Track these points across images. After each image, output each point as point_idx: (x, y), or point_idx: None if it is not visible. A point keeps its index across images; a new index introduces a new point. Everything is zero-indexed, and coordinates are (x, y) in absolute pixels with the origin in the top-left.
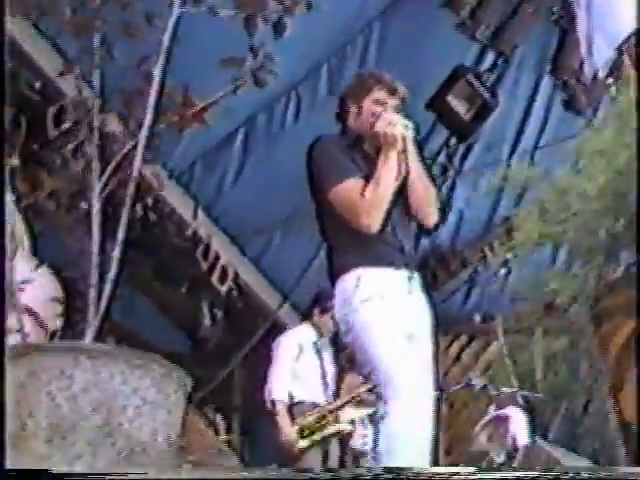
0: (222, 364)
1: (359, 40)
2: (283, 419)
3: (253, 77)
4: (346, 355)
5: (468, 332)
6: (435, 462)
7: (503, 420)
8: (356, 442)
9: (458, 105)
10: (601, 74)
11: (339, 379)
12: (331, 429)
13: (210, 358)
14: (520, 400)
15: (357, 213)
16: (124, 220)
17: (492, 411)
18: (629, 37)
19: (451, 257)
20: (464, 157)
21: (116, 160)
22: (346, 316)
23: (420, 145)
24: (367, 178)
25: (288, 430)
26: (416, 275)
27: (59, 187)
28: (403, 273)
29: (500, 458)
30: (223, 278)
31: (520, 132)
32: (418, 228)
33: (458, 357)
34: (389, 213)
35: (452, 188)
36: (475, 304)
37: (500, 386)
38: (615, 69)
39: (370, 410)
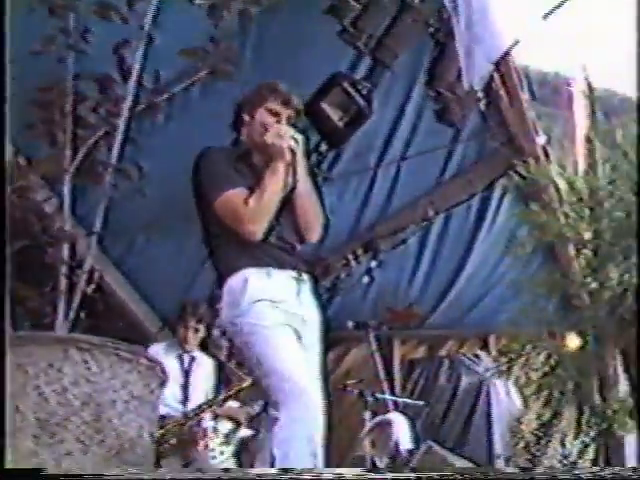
0: None
1: (234, 43)
2: None
3: (213, 68)
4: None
5: (328, 339)
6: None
7: (386, 425)
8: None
9: (332, 112)
10: (476, 87)
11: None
12: (176, 440)
13: None
14: (392, 407)
15: (241, 221)
16: None
17: (367, 417)
18: (505, 54)
19: (314, 263)
20: (332, 164)
21: (87, 146)
22: (234, 318)
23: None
24: (253, 189)
25: None
26: (306, 277)
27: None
28: (291, 273)
29: (382, 463)
30: (88, 279)
31: (389, 141)
32: (299, 240)
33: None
34: (277, 218)
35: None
36: (336, 311)
37: (373, 392)
38: (488, 84)
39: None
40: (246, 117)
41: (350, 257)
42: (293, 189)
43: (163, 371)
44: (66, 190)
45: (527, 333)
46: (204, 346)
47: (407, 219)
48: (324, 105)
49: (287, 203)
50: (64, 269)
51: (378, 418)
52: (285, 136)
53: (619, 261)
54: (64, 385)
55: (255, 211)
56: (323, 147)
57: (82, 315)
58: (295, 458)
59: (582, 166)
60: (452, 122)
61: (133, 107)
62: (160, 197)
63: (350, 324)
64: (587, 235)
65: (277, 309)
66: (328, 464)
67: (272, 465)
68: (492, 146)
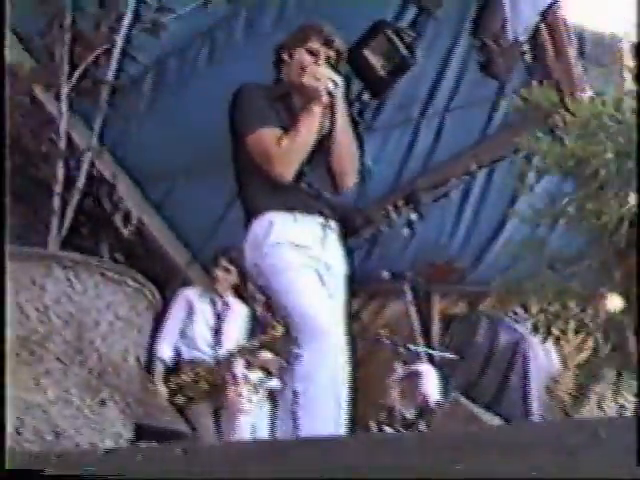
0: None
1: None
2: (157, 378)
3: None
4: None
5: (367, 291)
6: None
7: (414, 376)
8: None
9: (375, 60)
10: (521, 38)
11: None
12: (207, 385)
13: None
14: (427, 359)
15: (271, 161)
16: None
17: (398, 367)
18: (551, 4)
19: (355, 214)
20: (375, 113)
21: (86, 62)
22: (257, 259)
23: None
24: (287, 130)
25: (160, 389)
26: (333, 224)
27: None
28: (317, 219)
29: (410, 414)
30: (126, 221)
31: (432, 93)
32: (334, 187)
33: (357, 315)
34: (308, 163)
35: (360, 143)
36: (376, 264)
37: (406, 343)
38: (533, 36)
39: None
40: (285, 57)
41: (391, 209)
42: (331, 132)
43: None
44: (63, 106)
45: (568, 292)
46: (239, 293)
47: (450, 172)
48: (367, 53)
49: (321, 147)
50: (58, 187)
51: (407, 368)
52: (322, 78)
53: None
54: (45, 303)
55: (286, 152)
56: (365, 96)
57: (120, 257)
58: (316, 394)
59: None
60: (496, 75)
61: (133, 24)
62: (200, 141)
63: (386, 274)
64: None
65: (300, 252)
66: (355, 412)
67: (294, 401)
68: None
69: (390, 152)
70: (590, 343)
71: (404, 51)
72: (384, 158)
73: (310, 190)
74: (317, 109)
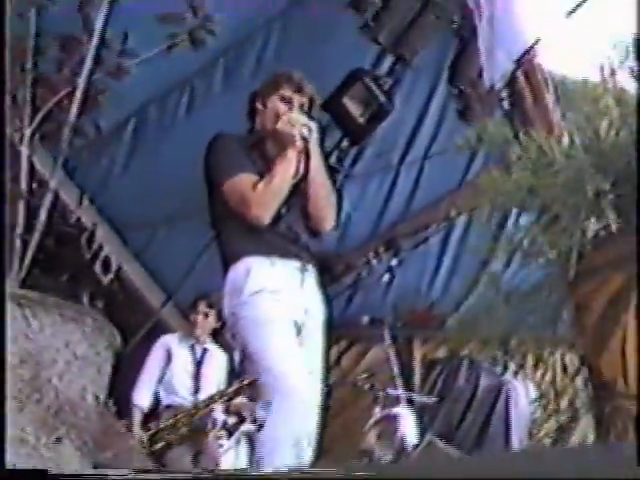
0: None
1: (258, 37)
2: (136, 425)
3: (190, 36)
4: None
5: (348, 337)
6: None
7: (392, 419)
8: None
9: (353, 108)
10: (498, 85)
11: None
12: (187, 430)
13: None
14: (405, 402)
15: (248, 204)
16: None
17: (378, 412)
18: (526, 52)
19: (335, 261)
20: (354, 160)
21: (48, 106)
22: (234, 308)
23: (323, 148)
24: (263, 176)
25: (139, 435)
26: (310, 268)
27: None
28: (295, 264)
29: (387, 457)
30: (106, 268)
31: (412, 140)
32: (311, 232)
33: (337, 361)
34: (286, 207)
35: (340, 191)
36: (357, 309)
37: (385, 387)
38: (510, 83)
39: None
40: (259, 105)
41: (371, 255)
42: (306, 176)
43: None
44: (24, 149)
45: (550, 338)
46: (218, 339)
47: (429, 218)
48: (345, 100)
49: (298, 192)
50: (19, 229)
51: (384, 411)
52: (297, 124)
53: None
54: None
55: (263, 196)
56: (344, 143)
57: (100, 304)
58: (280, 460)
59: None
60: (474, 121)
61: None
62: (181, 190)
63: (365, 319)
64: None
65: (278, 301)
66: (337, 458)
67: (258, 465)
68: None
69: (370, 198)
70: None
71: (382, 98)
72: (364, 205)
73: (288, 233)
74: (292, 154)
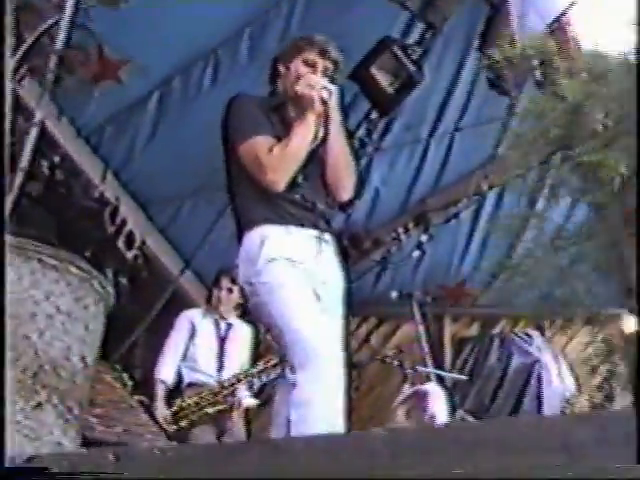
0: (125, 334)
1: (284, 5)
2: (160, 400)
3: None
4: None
5: (377, 315)
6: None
7: (422, 396)
8: None
9: (382, 77)
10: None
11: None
12: (212, 409)
13: (113, 327)
14: (435, 379)
15: (263, 169)
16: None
17: (407, 389)
18: (560, 16)
19: (364, 236)
20: (383, 133)
21: (35, 35)
22: (250, 278)
23: (346, 115)
24: (281, 139)
25: (162, 412)
26: (328, 237)
27: None
28: (311, 232)
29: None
30: (129, 244)
31: (442, 112)
32: (328, 202)
33: (367, 339)
34: (302, 174)
35: (369, 165)
36: (386, 286)
37: (414, 364)
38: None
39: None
40: (282, 68)
41: (400, 230)
42: (324, 141)
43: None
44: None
45: (583, 314)
46: (243, 314)
47: (460, 193)
48: (373, 70)
49: (316, 159)
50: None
51: (414, 388)
52: (316, 86)
53: None
54: None
55: (279, 160)
56: (373, 115)
57: (123, 280)
58: (313, 422)
59: None
60: (506, 91)
61: None
62: (206, 164)
63: (394, 294)
64: None
65: (295, 268)
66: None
67: (288, 430)
68: None
69: (399, 173)
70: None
71: (411, 67)
72: (393, 179)
73: (304, 202)
74: (310, 117)
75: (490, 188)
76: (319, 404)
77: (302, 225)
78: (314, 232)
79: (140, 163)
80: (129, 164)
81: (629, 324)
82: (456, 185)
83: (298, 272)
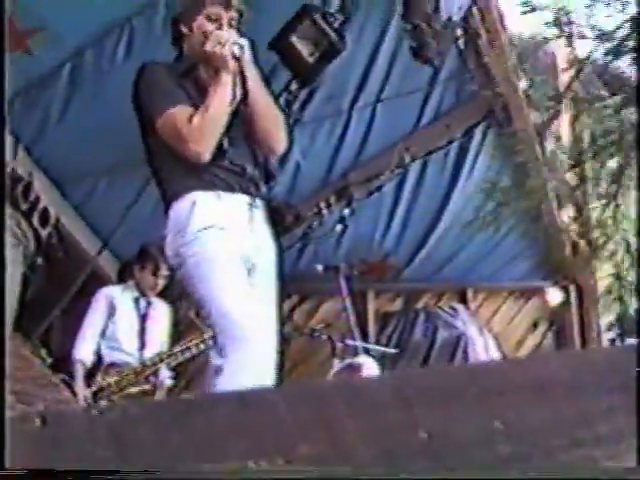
0: (43, 314)
1: None
2: (79, 380)
3: None
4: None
5: (300, 292)
6: None
7: (356, 368)
8: None
9: (302, 46)
10: (455, 18)
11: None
12: (133, 389)
13: (28, 309)
14: (363, 353)
15: (184, 142)
16: None
17: (336, 363)
18: None
19: (285, 211)
20: (304, 105)
21: None
22: (179, 249)
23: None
24: (198, 106)
25: (82, 392)
26: (259, 203)
27: None
28: (242, 198)
29: None
30: (44, 221)
31: (363, 82)
32: (258, 163)
33: (289, 316)
34: (227, 138)
35: (289, 137)
36: (309, 262)
37: (343, 338)
38: (466, 20)
39: None
40: (184, 29)
41: (322, 205)
42: (245, 99)
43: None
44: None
45: (506, 287)
46: (162, 292)
47: (382, 166)
48: (294, 39)
49: (239, 119)
50: None
51: (347, 361)
52: (226, 42)
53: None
54: None
55: (200, 129)
56: (294, 86)
57: (39, 260)
58: None
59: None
60: (429, 59)
61: None
62: (121, 139)
63: (320, 267)
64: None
65: (227, 237)
66: None
67: None
68: (471, 90)
69: (320, 146)
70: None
71: (333, 36)
72: (314, 152)
73: (233, 167)
74: (226, 77)
75: (413, 160)
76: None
77: (232, 190)
78: (245, 198)
79: (53, 138)
80: (41, 140)
81: (554, 296)
82: (378, 158)
83: (230, 241)
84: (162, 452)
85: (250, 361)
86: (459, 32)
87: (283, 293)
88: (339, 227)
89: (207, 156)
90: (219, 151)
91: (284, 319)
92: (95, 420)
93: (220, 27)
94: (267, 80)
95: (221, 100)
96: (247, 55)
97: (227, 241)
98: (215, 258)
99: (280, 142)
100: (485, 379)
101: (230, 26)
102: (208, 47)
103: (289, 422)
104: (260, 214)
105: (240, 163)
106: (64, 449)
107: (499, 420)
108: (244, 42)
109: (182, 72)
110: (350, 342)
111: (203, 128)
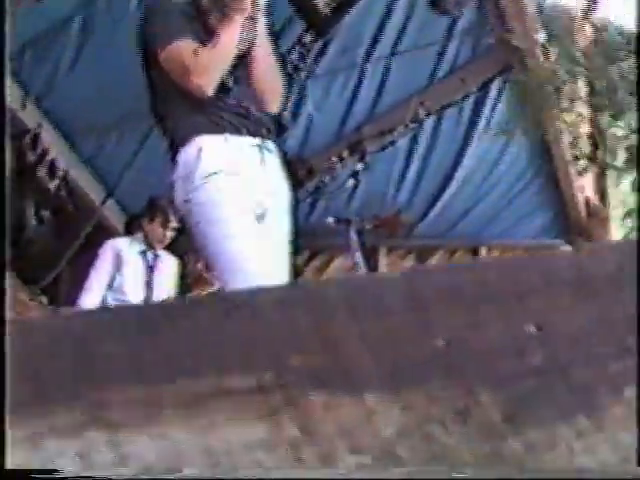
0: (49, 267)
1: None
2: None
3: None
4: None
5: (311, 247)
6: None
7: None
8: None
9: None
10: None
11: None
12: None
13: (36, 261)
14: None
15: (188, 73)
16: None
17: None
18: None
19: (298, 165)
20: (318, 58)
21: None
22: (187, 195)
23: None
24: (205, 44)
25: None
26: (270, 145)
27: None
28: (251, 140)
29: None
30: (52, 174)
31: (379, 34)
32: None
33: (300, 272)
34: (232, 78)
35: (303, 91)
36: (320, 217)
37: None
38: None
39: None
40: None
41: (335, 159)
42: (251, 48)
43: None
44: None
45: (520, 245)
46: (171, 246)
47: (396, 120)
48: None
49: (244, 64)
50: None
51: None
52: None
53: None
54: None
55: (205, 63)
56: (308, 38)
57: (47, 214)
58: None
59: None
60: (447, 10)
61: None
62: (135, 90)
63: (331, 220)
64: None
65: (236, 182)
66: None
67: None
68: (488, 43)
69: (334, 99)
70: None
71: None
72: (327, 106)
73: (238, 109)
74: (238, 17)
75: (427, 115)
76: None
77: (239, 133)
78: (255, 140)
79: (63, 90)
80: (51, 91)
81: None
82: (392, 112)
83: (240, 185)
84: (132, 365)
85: None
86: None
87: (296, 241)
88: (352, 182)
89: (210, 90)
90: (223, 89)
91: (298, 267)
92: (58, 329)
93: None
94: (276, 38)
95: (230, 38)
96: (262, 3)
97: (236, 186)
98: (224, 203)
99: (273, 102)
100: (517, 275)
101: None
102: None
103: (281, 329)
104: (273, 158)
105: (245, 105)
106: (25, 361)
107: (532, 323)
108: None
109: (195, 13)
110: None
111: (208, 62)
